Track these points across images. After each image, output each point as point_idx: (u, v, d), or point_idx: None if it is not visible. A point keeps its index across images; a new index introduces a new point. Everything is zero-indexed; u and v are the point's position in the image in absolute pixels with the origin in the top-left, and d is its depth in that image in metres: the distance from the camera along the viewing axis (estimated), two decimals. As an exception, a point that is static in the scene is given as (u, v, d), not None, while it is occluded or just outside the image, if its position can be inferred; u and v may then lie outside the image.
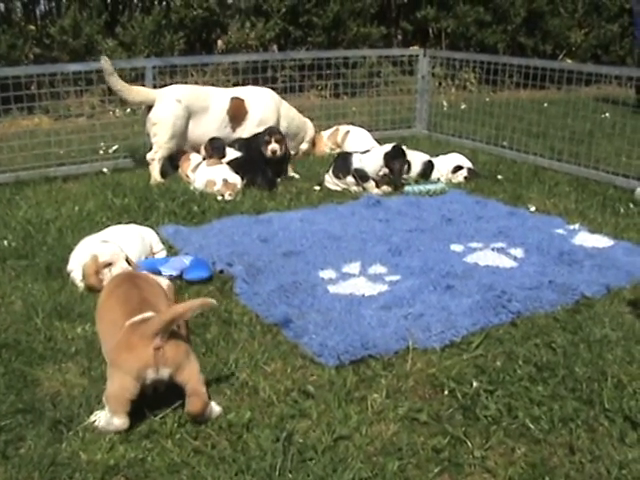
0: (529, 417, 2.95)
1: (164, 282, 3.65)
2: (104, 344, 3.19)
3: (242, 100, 7.03)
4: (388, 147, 6.31)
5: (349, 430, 2.87)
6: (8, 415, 2.95)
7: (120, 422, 2.84)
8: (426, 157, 6.76)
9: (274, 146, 6.46)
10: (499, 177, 6.65)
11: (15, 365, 3.34)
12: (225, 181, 6.02)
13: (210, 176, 6.13)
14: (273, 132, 6.59)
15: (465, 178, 6.55)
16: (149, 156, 6.60)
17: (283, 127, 7.14)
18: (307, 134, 7.68)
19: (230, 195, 5.91)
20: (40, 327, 3.71)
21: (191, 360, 2.96)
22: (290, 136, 7.26)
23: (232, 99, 6.97)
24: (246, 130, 6.98)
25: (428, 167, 6.67)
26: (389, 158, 6.21)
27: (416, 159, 6.66)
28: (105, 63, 6.50)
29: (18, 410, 2.99)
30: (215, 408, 2.98)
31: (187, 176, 6.49)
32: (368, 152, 6.42)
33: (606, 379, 3.20)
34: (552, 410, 2.99)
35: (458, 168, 6.66)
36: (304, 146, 7.67)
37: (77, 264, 4.28)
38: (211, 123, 6.85)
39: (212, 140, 6.63)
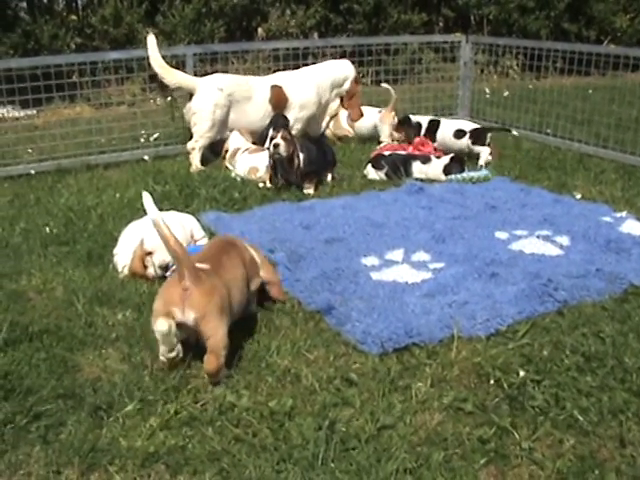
0: (577, 408, 2.87)
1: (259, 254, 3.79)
2: None
3: (281, 87, 7.01)
4: (447, 159, 6.27)
5: (393, 419, 2.82)
6: (49, 400, 2.96)
7: (160, 326, 3.05)
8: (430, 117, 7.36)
9: (277, 141, 5.73)
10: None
11: (56, 350, 3.35)
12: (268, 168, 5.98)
13: (253, 163, 6.10)
14: (278, 126, 6.05)
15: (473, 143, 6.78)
16: (189, 145, 6.63)
17: (318, 100, 7.19)
18: (347, 78, 7.39)
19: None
20: (81, 313, 3.71)
21: (221, 319, 3.09)
22: (333, 88, 7.32)
23: (272, 87, 6.96)
24: (290, 117, 6.98)
25: (433, 125, 7.13)
26: (448, 170, 6.21)
27: (423, 120, 7.22)
28: (150, 41, 6.60)
29: (59, 395, 2.99)
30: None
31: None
32: (429, 162, 6.30)
33: (658, 369, 3.11)
34: (601, 401, 2.91)
35: (460, 132, 6.80)
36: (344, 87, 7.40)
37: (121, 249, 4.28)
38: (255, 112, 6.87)
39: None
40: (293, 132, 6.54)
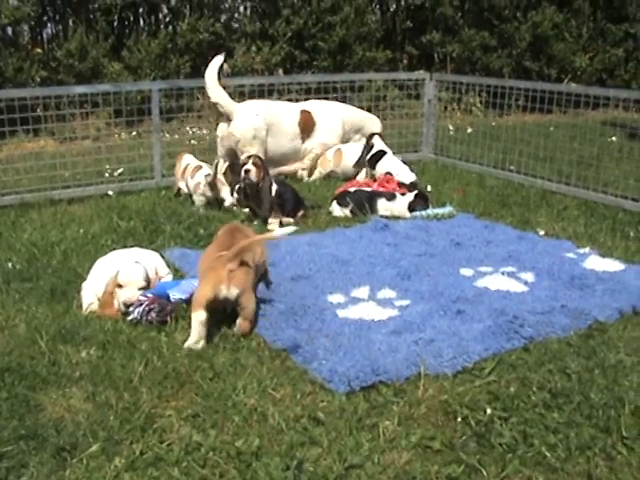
0: (545, 445, 2.87)
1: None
2: (200, 269, 4.01)
3: (309, 112, 7.51)
4: (411, 196, 6.30)
5: (361, 458, 2.79)
6: (10, 441, 2.89)
7: (199, 315, 3.68)
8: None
9: (249, 167, 5.84)
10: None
11: (18, 390, 3.28)
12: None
13: (197, 179, 6.37)
14: (253, 156, 6.09)
15: None
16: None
17: (342, 130, 7.77)
18: (373, 129, 7.88)
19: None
20: (44, 351, 3.64)
21: (253, 292, 3.87)
22: (353, 130, 7.93)
23: (302, 112, 7.53)
24: (314, 140, 7.56)
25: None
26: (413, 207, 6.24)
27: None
28: (218, 59, 7.26)
29: (21, 436, 2.92)
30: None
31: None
32: (394, 199, 6.31)
33: (623, 405, 3.13)
34: (568, 438, 2.92)
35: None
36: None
37: (89, 284, 4.25)
38: (284, 135, 7.35)
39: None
40: (311, 155, 7.55)
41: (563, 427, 2.99)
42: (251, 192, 5.90)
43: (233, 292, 3.73)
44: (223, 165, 6.68)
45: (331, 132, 7.67)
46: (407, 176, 6.92)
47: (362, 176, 7.21)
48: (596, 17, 13.77)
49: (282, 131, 7.35)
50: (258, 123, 7.08)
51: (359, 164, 7.27)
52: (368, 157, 7.23)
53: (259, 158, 6.05)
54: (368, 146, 7.32)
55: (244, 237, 4.03)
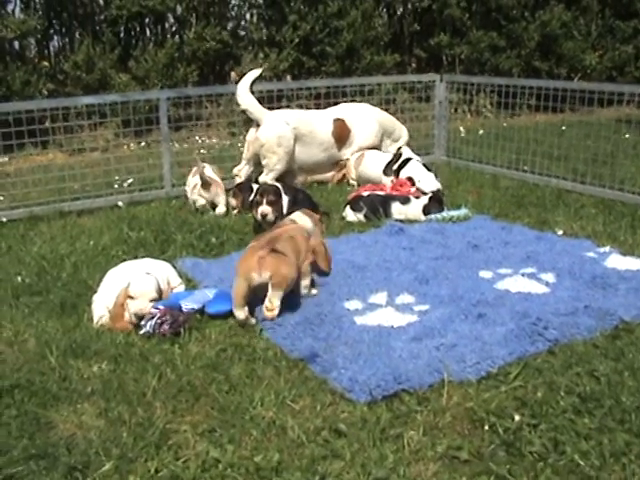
0: (577, 452, 2.76)
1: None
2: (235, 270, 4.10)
3: (343, 120, 7.46)
4: (426, 199, 6.21)
5: (386, 471, 2.68)
6: (20, 461, 2.79)
7: (239, 313, 3.93)
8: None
9: (264, 209, 5.68)
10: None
11: (28, 407, 3.19)
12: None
13: (195, 181, 6.45)
14: (266, 192, 5.79)
15: None
16: (261, 179, 6.97)
17: (379, 132, 7.77)
18: (401, 137, 8.05)
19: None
20: (54, 366, 3.55)
21: (287, 268, 3.98)
22: (386, 134, 7.92)
23: (335, 121, 7.46)
24: (352, 148, 7.56)
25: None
26: (428, 210, 6.15)
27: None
28: (255, 71, 7.26)
29: (31, 455, 2.83)
30: None
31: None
32: (409, 202, 6.22)
33: (657, 409, 3.01)
34: (601, 444, 2.80)
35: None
36: (399, 144, 7.86)
37: (100, 296, 4.17)
38: (317, 145, 7.33)
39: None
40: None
41: (595, 433, 2.88)
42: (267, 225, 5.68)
43: (265, 276, 3.90)
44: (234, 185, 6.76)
45: (368, 137, 7.64)
46: (429, 184, 6.72)
47: (388, 184, 7.03)
48: (604, 14, 13.65)
49: (315, 141, 7.32)
50: (285, 132, 7.02)
51: (387, 172, 7.13)
52: (395, 167, 7.09)
53: (273, 191, 5.83)
54: (397, 155, 7.22)
55: (291, 238, 4.26)
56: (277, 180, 6.86)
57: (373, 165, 7.30)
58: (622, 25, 13.54)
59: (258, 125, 7.09)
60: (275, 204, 5.72)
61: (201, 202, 6.44)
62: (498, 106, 9.53)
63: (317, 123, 7.35)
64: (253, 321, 4.01)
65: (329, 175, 7.61)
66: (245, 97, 7.11)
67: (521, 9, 12.71)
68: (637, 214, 6.04)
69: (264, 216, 5.68)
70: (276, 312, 3.96)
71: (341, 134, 7.46)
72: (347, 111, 7.65)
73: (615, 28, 13.62)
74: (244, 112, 7.27)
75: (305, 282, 4.37)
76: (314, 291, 4.46)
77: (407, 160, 7.03)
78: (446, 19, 12.59)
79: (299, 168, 7.31)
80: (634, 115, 8.46)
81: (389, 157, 7.30)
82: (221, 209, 6.42)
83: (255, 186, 6.33)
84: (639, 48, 13.72)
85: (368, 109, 7.82)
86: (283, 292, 3.98)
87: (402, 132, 8.04)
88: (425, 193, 6.41)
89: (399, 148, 7.40)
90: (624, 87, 7.49)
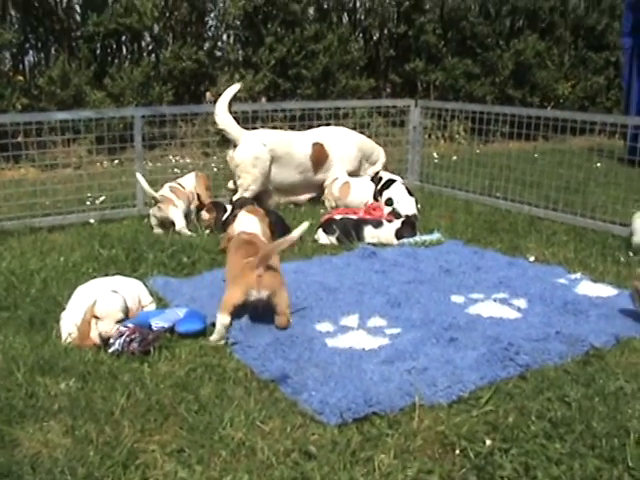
0: (549, 477, 2.75)
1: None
2: (228, 277, 4.31)
3: (322, 145, 7.43)
4: (398, 223, 6.22)
5: (356, 494, 2.66)
6: (-16, 480, 2.73)
7: (225, 318, 4.01)
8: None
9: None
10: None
11: (-7, 424, 3.12)
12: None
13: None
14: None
15: None
16: (234, 198, 6.92)
17: (358, 157, 7.75)
18: (379, 159, 8.06)
19: None
20: (21, 382, 3.49)
21: (283, 289, 4.18)
22: (364, 157, 7.92)
23: (313, 145, 7.43)
24: (329, 173, 7.53)
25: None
26: (400, 234, 6.16)
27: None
28: (234, 87, 7.17)
29: (-5, 474, 2.77)
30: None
31: None
32: (381, 226, 6.22)
33: (628, 434, 3.02)
34: (572, 469, 2.80)
35: None
36: (376, 168, 7.90)
37: (68, 313, 4.10)
38: (294, 168, 7.34)
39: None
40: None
41: (566, 458, 2.87)
42: None
43: (264, 294, 4.08)
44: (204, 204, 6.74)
45: (347, 163, 7.63)
46: (406, 207, 6.71)
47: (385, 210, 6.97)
48: (577, 45, 13.89)
49: (292, 163, 7.29)
50: (261, 152, 7.01)
51: (377, 197, 7.07)
52: (379, 187, 7.08)
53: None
54: (377, 178, 7.21)
55: (263, 244, 4.43)
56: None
57: (360, 193, 7.19)
58: (594, 56, 13.79)
59: (235, 146, 7.07)
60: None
61: (153, 222, 6.45)
62: (472, 132, 9.63)
63: (295, 145, 7.32)
64: (221, 343, 4.05)
65: (303, 197, 7.59)
66: (223, 117, 7.05)
67: (496, 37, 12.87)
68: (608, 242, 6.10)
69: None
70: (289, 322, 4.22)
71: (319, 158, 7.43)
72: (326, 135, 7.62)
73: (587, 59, 13.86)
74: (221, 132, 7.27)
75: None
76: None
77: (391, 181, 7.02)
78: (421, 45, 12.70)
79: (275, 189, 7.30)
80: (605, 144, 8.61)
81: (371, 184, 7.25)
82: (179, 225, 6.37)
83: (229, 207, 6.31)
84: (610, 79, 13.96)
85: (347, 134, 7.81)
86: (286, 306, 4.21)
87: (380, 155, 8.04)
88: (399, 216, 6.42)
89: (377, 172, 7.40)
90: (596, 116, 7.60)
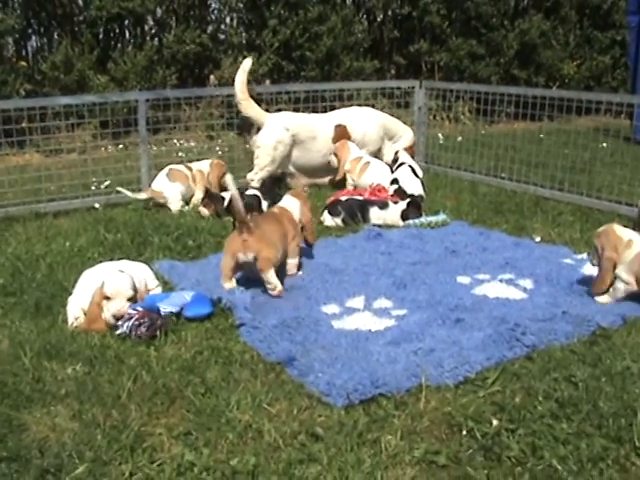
0: (555, 457, 2.75)
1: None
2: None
3: (345, 127, 7.46)
4: (404, 204, 6.19)
5: (363, 476, 2.66)
6: (-8, 464, 2.74)
7: (228, 285, 4.46)
8: None
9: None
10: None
11: (0, 409, 3.13)
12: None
13: None
14: (250, 206, 5.72)
15: None
16: (249, 176, 7.09)
17: (380, 137, 7.77)
18: (403, 138, 8.00)
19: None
20: (28, 367, 3.49)
21: (267, 251, 4.37)
22: (387, 137, 7.92)
23: (336, 127, 7.46)
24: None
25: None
26: (406, 215, 6.14)
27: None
28: (246, 63, 7.16)
29: (2, 458, 2.78)
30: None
31: None
32: (387, 207, 6.20)
33: (635, 414, 3.01)
34: (579, 449, 2.80)
35: None
36: (397, 147, 7.80)
37: (75, 297, 4.10)
38: (317, 151, 7.38)
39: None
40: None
41: (573, 438, 2.87)
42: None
43: (250, 256, 4.35)
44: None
45: (367, 144, 7.63)
46: (411, 187, 6.70)
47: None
48: (583, 25, 13.77)
49: (314, 147, 7.34)
50: (283, 137, 7.09)
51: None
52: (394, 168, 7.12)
53: (257, 204, 5.93)
54: (395, 159, 7.23)
55: (282, 217, 4.80)
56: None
57: (375, 176, 7.06)
58: (600, 36, 13.68)
59: (259, 129, 7.15)
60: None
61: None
62: (477, 113, 9.58)
63: (318, 129, 7.36)
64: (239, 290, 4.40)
65: (326, 179, 7.58)
66: (246, 105, 7.12)
67: (500, 17, 12.77)
68: (614, 222, 6.05)
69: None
70: (279, 287, 4.40)
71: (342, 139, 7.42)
72: (349, 116, 7.63)
73: (593, 38, 13.74)
74: (247, 118, 7.29)
75: (293, 261, 4.82)
76: (300, 272, 4.84)
77: (400, 164, 7.03)
78: (426, 26, 12.61)
79: (297, 172, 7.37)
80: (611, 124, 8.52)
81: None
82: (175, 205, 6.63)
83: (225, 195, 6.27)
84: (616, 58, 13.85)
85: (371, 113, 7.81)
86: (273, 270, 4.38)
87: (405, 135, 8.00)
88: (405, 194, 6.41)
89: (396, 152, 7.37)
90: (602, 96, 7.54)
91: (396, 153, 7.34)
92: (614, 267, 4.35)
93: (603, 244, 4.44)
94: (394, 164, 7.15)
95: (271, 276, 4.36)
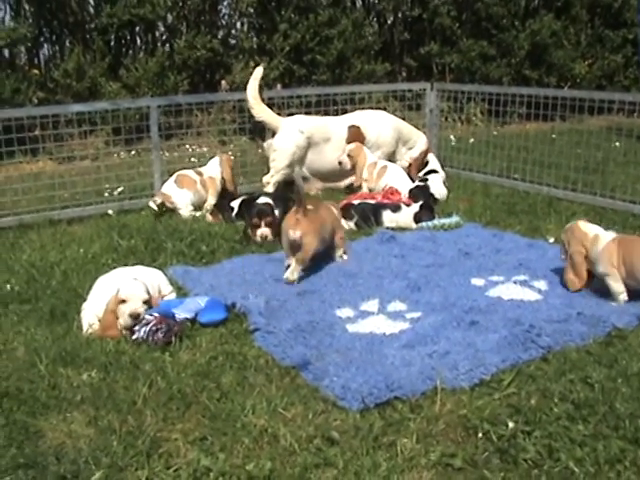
0: (572, 459, 2.74)
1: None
2: None
3: (359, 127, 7.47)
4: (417, 207, 6.20)
5: (379, 479, 2.65)
6: (9, 470, 2.76)
7: (286, 262, 4.89)
8: None
9: (264, 231, 5.65)
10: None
11: (17, 416, 3.15)
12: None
13: None
14: (263, 213, 5.71)
15: None
16: (265, 179, 7.15)
17: (394, 140, 7.68)
18: (418, 144, 7.87)
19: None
20: (44, 374, 3.51)
21: (311, 236, 4.78)
22: (401, 141, 7.81)
23: (349, 128, 7.43)
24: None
25: None
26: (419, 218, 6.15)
27: None
28: (257, 71, 7.37)
29: (19, 465, 2.79)
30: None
31: None
32: (400, 210, 6.21)
33: (651, 416, 3.00)
34: (596, 451, 2.78)
35: None
36: (414, 153, 7.80)
37: (90, 304, 4.13)
38: (332, 152, 7.32)
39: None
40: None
41: (590, 440, 2.86)
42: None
43: (297, 234, 4.72)
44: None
45: (381, 146, 7.59)
46: (439, 194, 6.90)
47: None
48: (594, 24, 13.69)
49: (329, 149, 7.33)
50: (299, 141, 7.13)
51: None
52: (422, 174, 7.23)
53: (270, 211, 5.77)
54: (423, 163, 7.43)
55: (327, 209, 5.23)
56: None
57: (395, 179, 7.01)
58: (611, 34, 13.59)
59: (274, 134, 7.21)
60: (272, 224, 5.66)
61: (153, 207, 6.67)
62: (489, 114, 9.57)
63: (332, 130, 7.37)
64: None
65: (343, 183, 7.55)
66: (258, 108, 7.22)
67: (511, 18, 12.73)
68: (628, 221, 6.05)
69: (264, 238, 5.66)
70: (294, 279, 4.75)
71: (356, 141, 7.37)
72: (363, 118, 7.62)
73: (604, 37, 13.67)
74: (260, 122, 7.38)
75: (339, 252, 5.24)
76: (345, 257, 5.27)
77: (431, 171, 7.27)
78: (436, 28, 12.59)
79: (312, 176, 7.37)
80: (624, 123, 8.49)
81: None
82: (185, 210, 6.62)
83: (234, 204, 6.28)
84: (628, 57, 13.77)
85: (385, 116, 7.80)
86: (308, 256, 4.82)
87: (419, 141, 7.89)
88: (436, 201, 6.54)
89: (424, 156, 7.56)
90: (614, 95, 7.51)
91: (423, 158, 7.49)
92: (585, 257, 4.42)
93: (569, 240, 4.52)
94: (424, 166, 7.38)
95: (300, 264, 4.78)
